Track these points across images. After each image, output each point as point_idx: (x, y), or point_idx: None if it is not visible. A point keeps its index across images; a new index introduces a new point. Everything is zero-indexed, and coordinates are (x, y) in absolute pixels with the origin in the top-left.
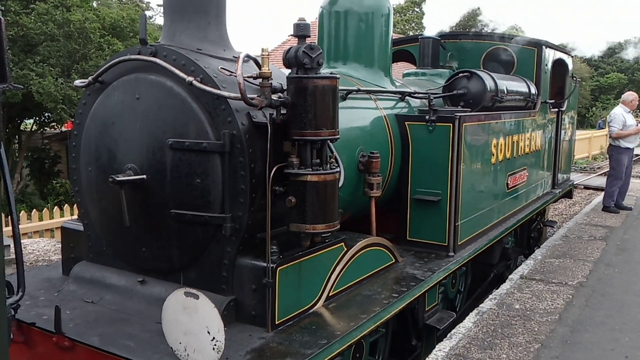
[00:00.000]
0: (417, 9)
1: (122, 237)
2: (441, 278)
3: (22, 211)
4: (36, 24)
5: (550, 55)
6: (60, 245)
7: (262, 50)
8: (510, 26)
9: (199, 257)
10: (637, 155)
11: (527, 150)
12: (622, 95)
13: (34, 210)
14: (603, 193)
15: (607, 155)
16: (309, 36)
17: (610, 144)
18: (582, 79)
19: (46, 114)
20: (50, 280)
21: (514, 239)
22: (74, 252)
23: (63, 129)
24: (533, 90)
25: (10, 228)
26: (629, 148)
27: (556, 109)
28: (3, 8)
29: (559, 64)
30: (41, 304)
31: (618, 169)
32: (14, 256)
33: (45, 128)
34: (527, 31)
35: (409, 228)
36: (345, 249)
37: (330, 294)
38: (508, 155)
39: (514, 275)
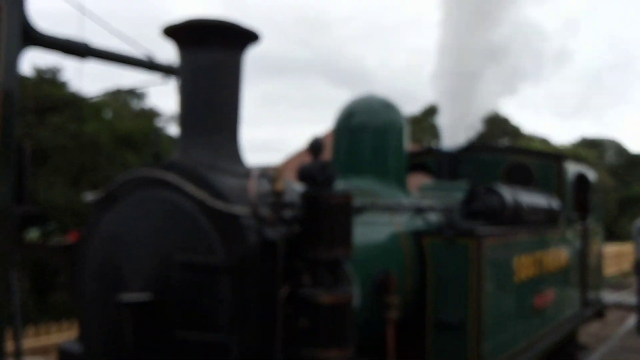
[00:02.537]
0: (433, 120)
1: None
2: None
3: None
4: (50, 137)
5: (571, 169)
6: None
7: (276, 168)
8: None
9: None
10: None
11: (552, 267)
12: None
13: (32, 325)
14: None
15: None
16: (322, 153)
17: (636, 260)
18: (606, 190)
19: (50, 225)
20: None
21: None
22: None
23: (66, 241)
24: (555, 204)
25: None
26: None
27: (581, 224)
28: (23, 122)
29: (580, 178)
30: None
31: None
32: None
33: (49, 239)
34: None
35: (429, 354)
36: None
37: None
38: (532, 274)
39: None
